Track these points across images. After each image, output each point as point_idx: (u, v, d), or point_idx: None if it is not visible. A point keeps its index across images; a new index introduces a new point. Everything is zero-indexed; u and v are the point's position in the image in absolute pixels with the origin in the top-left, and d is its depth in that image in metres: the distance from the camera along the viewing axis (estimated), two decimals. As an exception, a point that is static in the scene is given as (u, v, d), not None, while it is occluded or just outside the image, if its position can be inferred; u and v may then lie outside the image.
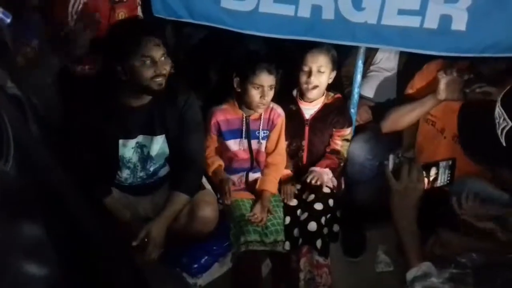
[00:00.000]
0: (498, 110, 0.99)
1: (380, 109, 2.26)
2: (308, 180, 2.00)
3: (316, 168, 2.07)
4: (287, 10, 1.89)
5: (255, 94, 1.89)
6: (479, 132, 1.07)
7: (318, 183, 1.99)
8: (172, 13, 2.02)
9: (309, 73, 1.98)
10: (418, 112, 1.97)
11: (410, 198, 1.16)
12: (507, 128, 0.98)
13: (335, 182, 2.10)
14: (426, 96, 1.92)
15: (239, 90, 1.94)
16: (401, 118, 2.01)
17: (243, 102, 1.96)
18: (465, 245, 1.44)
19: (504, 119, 0.98)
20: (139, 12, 2.20)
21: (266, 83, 1.87)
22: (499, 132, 0.99)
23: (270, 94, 1.90)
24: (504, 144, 0.99)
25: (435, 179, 1.22)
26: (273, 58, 1.93)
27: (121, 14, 2.11)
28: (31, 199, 0.60)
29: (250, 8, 1.92)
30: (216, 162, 2.04)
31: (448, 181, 1.24)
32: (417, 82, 2.05)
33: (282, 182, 2.08)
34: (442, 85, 1.82)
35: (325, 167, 2.08)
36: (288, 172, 2.11)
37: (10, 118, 0.57)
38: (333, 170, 2.10)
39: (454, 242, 1.45)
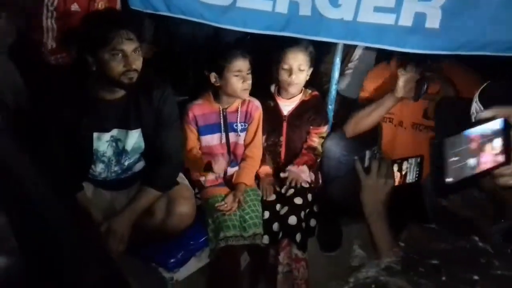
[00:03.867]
0: (476, 105, 1.03)
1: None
2: (287, 182, 2.03)
3: (293, 168, 2.09)
4: (264, 5, 1.90)
5: (236, 81, 1.90)
6: (454, 127, 1.10)
7: (298, 185, 2.01)
8: (149, 6, 1.99)
9: (290, 71, 2.00)
10: (378, 112, 1.99)
11: (380, 193, 1.19)
12: None
13: (313, 177, 2.13)
14: (384, 96, 1.95)
15: (218, 84, 1.94)
16: (362, 121, 2.04)
17: (225, 93, 1.97)
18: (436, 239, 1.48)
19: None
20: (118, 3, 2.17)
21: (244, 68, 1.90)
22: None
23: (250, 78, 1.93)
24: None
25: (406, 175, 1.24)
26: (244, 45, 1.96)
27: (100, 4, 2.07)
28: None
29: (228, 3, 1.92)
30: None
31: (416, 178, 1.26)
32: (369, 85, 2.09)
33: (261, 179, 2.10)
34: (400, 82, 1.85)
35: (303, 165, 2.10)
36: (267, 168, 2.13)
37: None
38: (310, 166, 2.12)
39: (425, 236, 1.48)
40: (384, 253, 1.10)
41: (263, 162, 2.13)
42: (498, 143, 0.87)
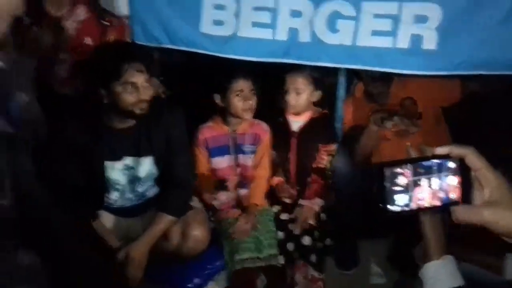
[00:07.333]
0: None
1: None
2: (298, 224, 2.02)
3: (306, 202, 2.07)
4: (265, 33, 1.94)
5: (237, 101, 1.95)
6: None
7: (305, 225, 2.01)
8: (153, 40, 2.03)
9: (287, 93, 2.05)
10: (372, 142, 2.06)
11: None
12: None
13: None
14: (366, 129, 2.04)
15: (222, 105, 1.98)
16: (364, 150, 2.09)
17: (230, 114, 2.01)
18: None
19: None
20: (128, 36, 2.21)
21: (246, 87, 1.95)
22: None
23: (254, 98, 1.97)
24: None
25: None
26: (247, 67, 2.02)
27: (111, 37, 2.11)
28: (27, 230, 0.61)
29: (230, 33, 1.96)
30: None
31: None
32: (346, 117, 2.20)
33: (276, 187, 2.13)
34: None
35: (314, 197, 2.09)
36: (279, 178, 2.15)
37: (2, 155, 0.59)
38: (321, 195, 2.11)
39: None
40: (435, 250, 1.04)
41: (275, 174, 2.15)
42: (452, 181, 0.80)
